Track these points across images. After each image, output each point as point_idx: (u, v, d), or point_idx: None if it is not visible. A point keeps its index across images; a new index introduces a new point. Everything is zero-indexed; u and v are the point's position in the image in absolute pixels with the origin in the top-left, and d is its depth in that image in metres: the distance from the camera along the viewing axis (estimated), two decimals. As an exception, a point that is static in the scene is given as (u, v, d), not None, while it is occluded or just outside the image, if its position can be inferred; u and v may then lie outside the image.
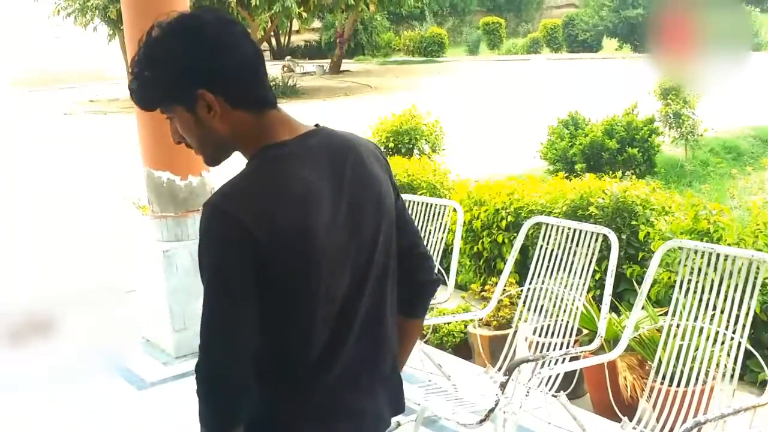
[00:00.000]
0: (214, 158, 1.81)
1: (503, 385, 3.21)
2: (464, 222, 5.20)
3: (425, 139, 7.91)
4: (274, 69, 29.66)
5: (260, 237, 1.63)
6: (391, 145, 7.66)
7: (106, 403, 4.51)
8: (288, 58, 34.73)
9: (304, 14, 23.82)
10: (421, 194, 5.89)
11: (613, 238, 3.47)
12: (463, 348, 5.03)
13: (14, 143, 16.61)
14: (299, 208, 1.69)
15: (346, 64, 33.84)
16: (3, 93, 29.72)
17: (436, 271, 2.07)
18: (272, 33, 34.82)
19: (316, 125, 1.84)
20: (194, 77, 1.70)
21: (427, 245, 4.33)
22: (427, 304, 2.06)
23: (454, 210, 4.22)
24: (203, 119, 1.72)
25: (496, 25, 38.80)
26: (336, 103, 21.67)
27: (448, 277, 4.13)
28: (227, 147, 1.78)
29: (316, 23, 36.48)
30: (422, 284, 2.00)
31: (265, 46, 36.40)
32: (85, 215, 9.70)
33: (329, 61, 33.98)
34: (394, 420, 3.96)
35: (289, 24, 36.34)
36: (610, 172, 6.45)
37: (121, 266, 6.95)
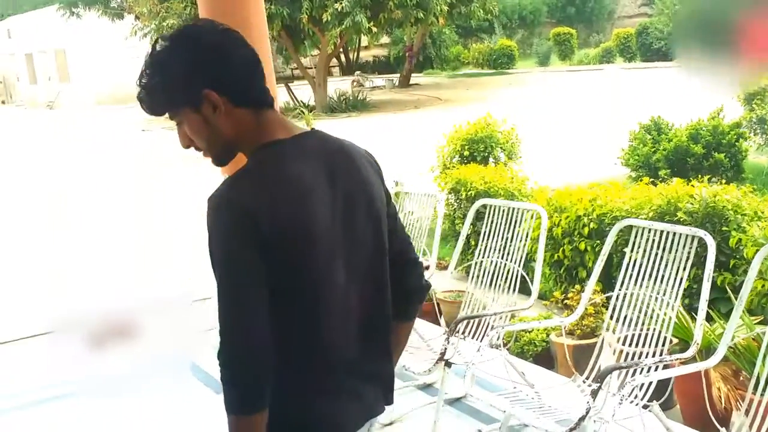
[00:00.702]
0: (221, 158, 1.94)
1: (594, 393, 3.08)
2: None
3: (501, 147, 7.79)
4: (343, 84, 29.90)
5: (263, 224, 1.75)
6: (466, 153, 7.57)
7: (186, 405, 4.53)
8: (357, 73, 34.99)
9: (374, 29, 23.91)
10: (498, 201, 5.78)
11: (709, 240, 3.31)
12: (544, 357, 4.89)
13: (98, 158, 17.08)
14: (298, 200, 1.81)
15: (415, 78, 33.89)
16: (87, 111, 30.68)
17: (427, 277, 2.17)
18: (342, 49, 35.13)
19: (312, 129, 1.97)
20: (199, 78, 1.84)
21: (508, 251, 4.24)
22: (416, 309, 2.14)
23: (538, 215, 4.10)
24: (209, 119, 1.85)
25: (566, 35, 38.37)
26: (406, 116, 21.67)
27: (531, 285, 4.01)
28: (231, 146, 1.91)
29: (385, 38, 36.66)
30: (411, 290, 2.08)
31: (334, 62, 36.79)
32: (164, 224, 9.86)
33: (398, 75, 34.08)
34: (476, 427, 3.87)
35: (358, 40, 36.59)
36: (698, 178, 6.22)
37: (198, 273, 7.03)
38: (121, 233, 9.72)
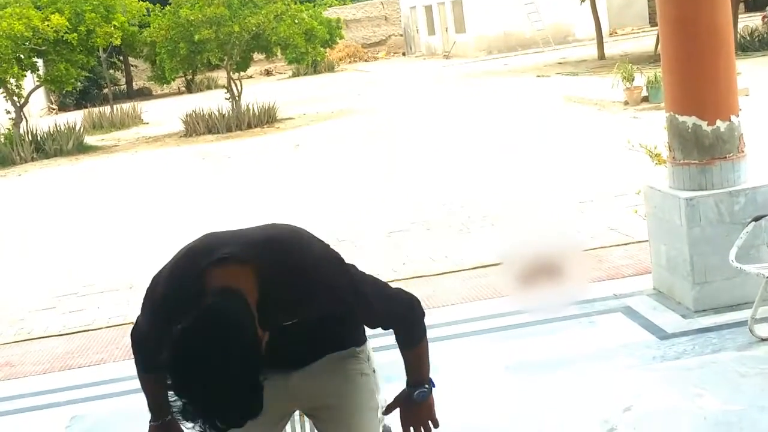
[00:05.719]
0: None
1: None
2: None
3: None
4: (751, 21, 27.18)
5: None
6: None
7: (630, 349, 4.45)
8: (769, 7, 31.54)
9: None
10: None
11: None
12: None
13: (493, 105, 17.62)
14: None
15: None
16: (479, 58, 31.88)
17: None
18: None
19: None
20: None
21: None
22: None
23: None
24: None
25: None
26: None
27: None
28: None
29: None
30: None
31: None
32: (587, 170, 9.82)
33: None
34: None
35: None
36: None
37: (624, 213, 6.88)
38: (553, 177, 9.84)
